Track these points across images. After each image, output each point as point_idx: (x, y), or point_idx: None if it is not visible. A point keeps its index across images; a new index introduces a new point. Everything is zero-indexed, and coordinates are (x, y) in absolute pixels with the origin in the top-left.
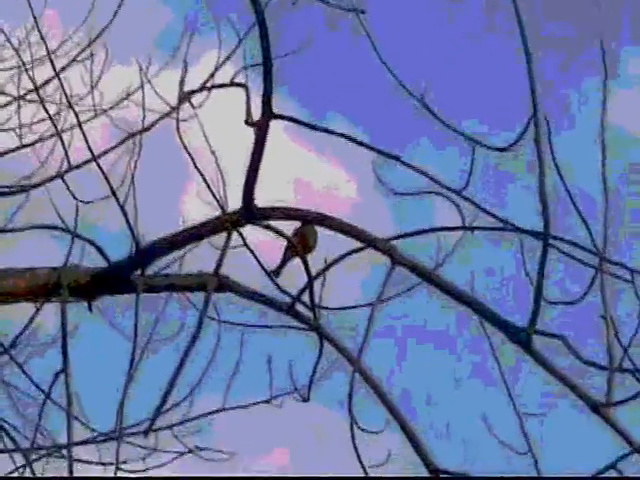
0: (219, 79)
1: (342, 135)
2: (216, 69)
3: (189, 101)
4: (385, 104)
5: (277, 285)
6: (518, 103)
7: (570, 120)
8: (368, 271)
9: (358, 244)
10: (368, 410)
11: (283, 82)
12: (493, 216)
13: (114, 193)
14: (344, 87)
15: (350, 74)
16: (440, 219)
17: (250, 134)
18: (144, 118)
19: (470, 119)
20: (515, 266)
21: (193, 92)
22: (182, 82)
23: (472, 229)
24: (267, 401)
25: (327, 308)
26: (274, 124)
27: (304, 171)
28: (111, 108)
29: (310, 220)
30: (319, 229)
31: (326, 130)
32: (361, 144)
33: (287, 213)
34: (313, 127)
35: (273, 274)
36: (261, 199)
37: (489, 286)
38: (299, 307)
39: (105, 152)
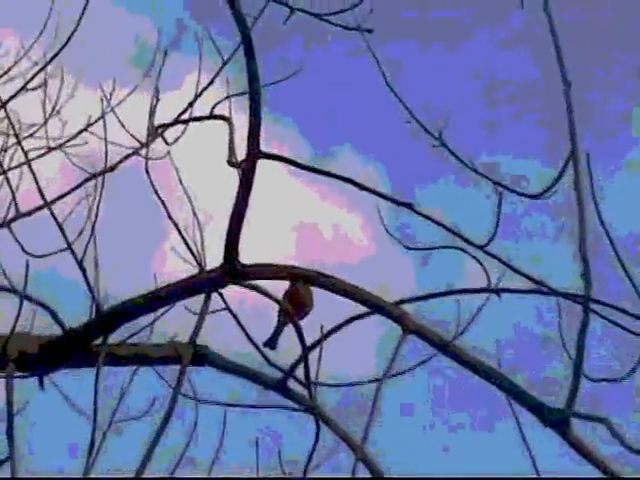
0: (199, 110)
1: (343, 178)
2: (195, 98)
3: (161, 136)
4: (401, 136)
5: (265, 357)
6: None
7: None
8: (384, 331)
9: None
10: None
11: (282, 111)
12: (524, 276)
13: (70, 246)
14: (353, 117)
15: (358, 102)
16: (468, 271)
17: (235, 175)
18: (107, 156)
19: (500, 154)
20: (549, 329)
21: (166, 125)
22: (153, 113)
23: (499, 291)
24: None
25: (325, 384)
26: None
27: (309, 216)
28: (66, 142)
29: (305, 280)
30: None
31: (324, 172)
32: (365, 189)
33: (277, 271)
34: (309, 169)
35: (266, 346)
36: (254, 250)
37: (519, 352)
38: (292, 383)
39: (60, 197)
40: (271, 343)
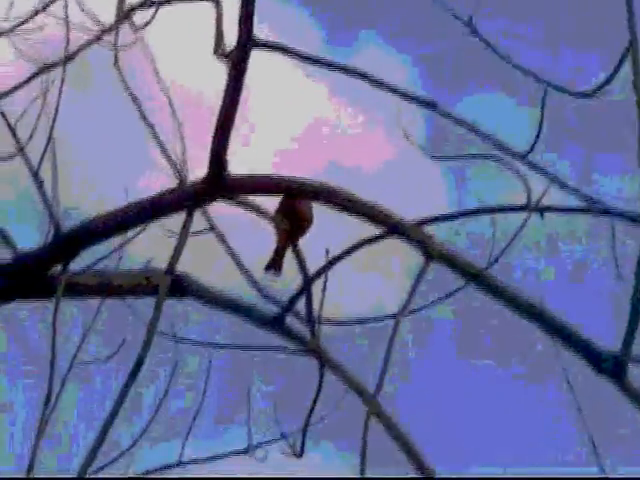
0: None
1: (352, 71)
2: None
3: (130, 20)
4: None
5: (259, 288)
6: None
7: None
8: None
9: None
10: (385, 458)
11: None
12: (572, 191)
13: (23, 151)
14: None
15: None
16: (509, 186)
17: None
18: (67, 43)
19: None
20: (602, 261)
21: (136, 7)
22: None
23: (541, 210)
24: (244, 452)
25: (331, 322)
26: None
27: (317, 118)
28: (18, 26)
29: (305, 194)
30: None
31: (330, 64)
32: (380, 85)
33: (272, 184)
34: (312, 60)
35: (269, 269)
36: (250, 160)
37: (565, 289)
38: (291, 320)
39: (8, 92)
40: (274, 267)
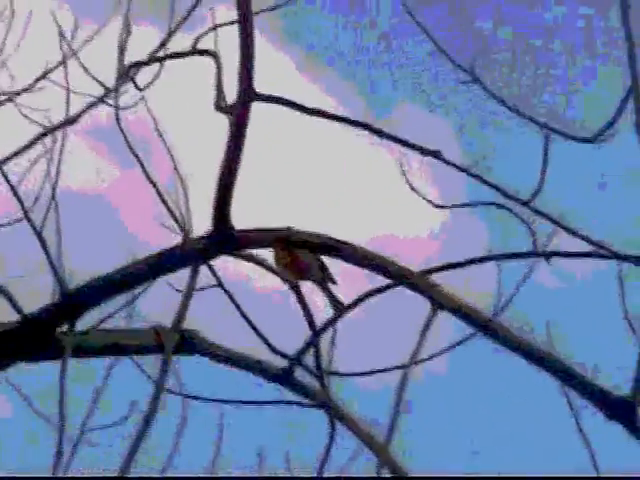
0: (178, 45)
1: (357, 123)
2: (171, 32)
3: (132, 79)
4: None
5: (266, 342)
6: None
7: None
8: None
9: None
10: None
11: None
12: (579, 236)
13: (26, 214)
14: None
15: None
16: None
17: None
18: (68, 105)
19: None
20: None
21: (138, 65)
22: (122, 51)
23: (548, 255)
24: None
25: (339, 374)
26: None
27: (337, 171)
28: (19, 93)
29: (311, 247)
30: None
31: (333, 116)
32: (387, 137)
33: (276, 237)
34: (316, 113)
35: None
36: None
37: (575, 332)
38: (300, 373)
39: (11, 156)
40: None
